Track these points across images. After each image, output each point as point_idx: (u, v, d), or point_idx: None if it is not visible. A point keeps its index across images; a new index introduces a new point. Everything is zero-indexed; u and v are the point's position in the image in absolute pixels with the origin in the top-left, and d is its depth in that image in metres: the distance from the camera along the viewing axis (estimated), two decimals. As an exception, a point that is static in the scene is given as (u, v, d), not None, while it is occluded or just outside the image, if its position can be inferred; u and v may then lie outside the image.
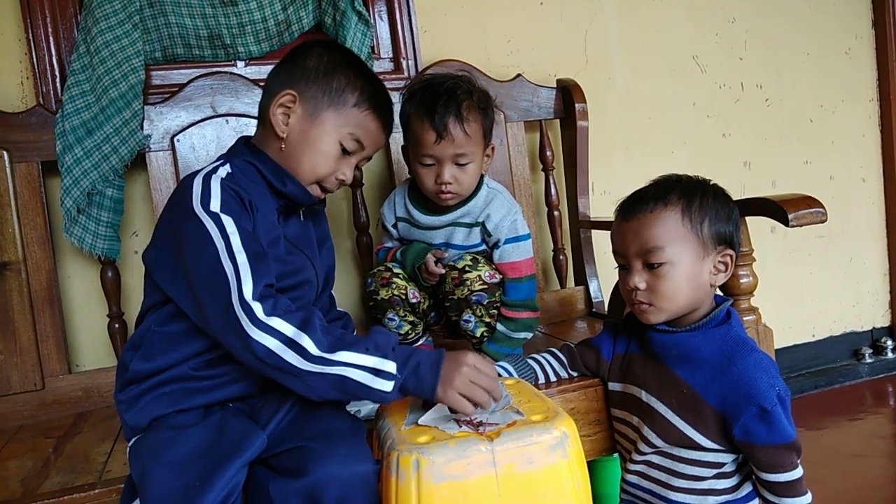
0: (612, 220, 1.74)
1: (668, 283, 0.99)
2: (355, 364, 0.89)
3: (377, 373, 0.90)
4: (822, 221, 1.23)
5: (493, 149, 1.37)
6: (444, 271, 1.31)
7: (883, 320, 2.42)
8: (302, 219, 1.13)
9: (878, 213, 2.38)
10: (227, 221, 0.94)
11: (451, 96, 1.26)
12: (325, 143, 1.06)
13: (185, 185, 0.99)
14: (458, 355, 0.94)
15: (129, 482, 0.95)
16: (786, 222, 1.21)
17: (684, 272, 1.00)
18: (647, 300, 1.01)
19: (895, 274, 2.38)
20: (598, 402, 1.17)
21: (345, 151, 1.08)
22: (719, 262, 1.02)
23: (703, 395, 0.99)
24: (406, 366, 0.91)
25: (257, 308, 0.88)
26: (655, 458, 1.04)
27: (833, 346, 2.34)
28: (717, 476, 1.01)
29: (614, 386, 1.13)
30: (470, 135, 1.27)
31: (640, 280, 1.01)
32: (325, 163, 1.07)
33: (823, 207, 1.23)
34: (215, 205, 0.95)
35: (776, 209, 1.22)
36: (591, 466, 1.01)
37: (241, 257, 0.91)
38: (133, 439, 0.97)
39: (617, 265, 1.07)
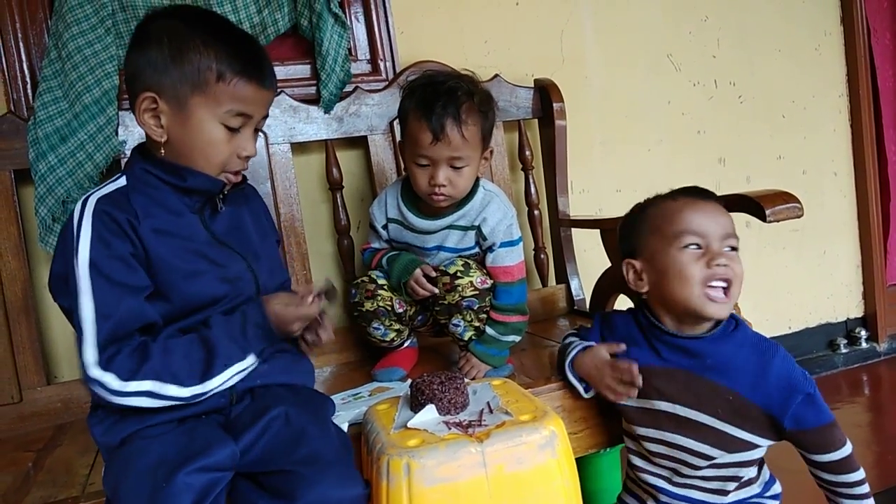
0: (593, 218, 1.76)
1: (739, 268, 1.03)
2: (227, 378, 0.94)
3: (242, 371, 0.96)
4: (799, 216, 1.25)
5: (491, 152, 1.35)
6: (434, 292, 1.29)
7: (857, 311, 2.47)
8: (224, 208, 1.05)
9: (849, 207, 2.43)
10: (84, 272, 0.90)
11: (451, 97, 1.23)
12: (207, 131, 0.97)
13: (68, 219, 0.95)
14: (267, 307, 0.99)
15: (107, 500, 0.93)
16: (763, 218, 1.23)
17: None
18: (730, 278, 1.02)
19: (867, 265, 2.43)
20: (583, 400, 1.18)
21: (232, 129, 0.98)
22: None
23: (750, 398, 1.00)
24: (248, 339, 0.96)
25: (109, 379, 0.88)
26: (710, 472, 1.04)
27: (809, 337, 2.39)
28: (755, 466, 1.05)
29: (626, 401, 1.09)
30: (467, 138, 1.25)
31: (727, 259, 1.02)
32: (217, 150, 0.98)
33: (799, 202, 1.25)
34: (83, 248, 0.91)
35: (753, 205, 1.24)
36: (580, 463, 1.01)
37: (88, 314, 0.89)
38: (108, 459, 0.95)
39: (685, 245, 1.03)
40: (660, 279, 1.04)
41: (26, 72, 1.51)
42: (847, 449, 0.99)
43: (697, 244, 1.03)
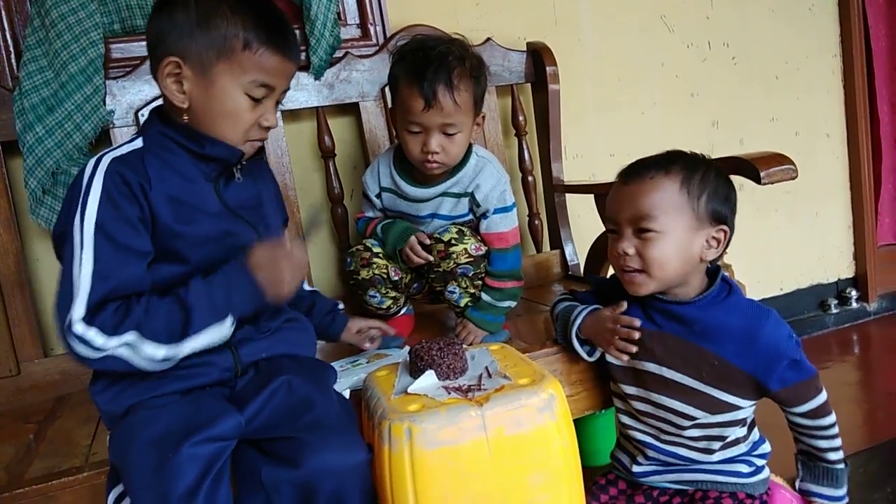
0: (586, 183, 1.76)
1: (657, 251, 1.00)
2: (203, 342, 0.92)
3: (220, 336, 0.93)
4: (793, 178, 1.26)
5: (483, 117, 1.34)
6: (429, 259, 1.29)
7: (847, 272, 2.49)
8: (240, 179, 1.04)
9: (841, 168, 2.43)
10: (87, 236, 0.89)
11: (441, 62, 1.21)
12: (231, 100, 0.95)
13: (78, 175, 0.94)
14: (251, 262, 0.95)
15: (112, 468, 0.95)
16: (758, 180, 1.23)
17: (675, 242, 1.00)
18: (637, 266, 1.01)
19: (858, 226, 2.45)
20: (579, 363, 1.19)
21: (255, 100, 0.97)
22: (713, 237, 1.02)
23: (736, 363, 1.01)
24: (229, 304, 0.93)
25: (93, 334, 0.86)
26: (695, 432, 1.06)
27: (801, 298, 2.41)
28: (744, 426, 1.07)
29: (615, 360, 1.11)
30: (460, 104, 1.23)
31: (628, 246, 1.02)
32: (240, 119, 0.97)
33: (794, 164, 1.25)
34: (91, 206, 0.90)
35: (748, 167, 1.24)
36: (577, 424, 1.03)
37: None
38: (112, 427, 0.96)
39: (607, 230, 1.07)
40: None
41: (9, 41, 1.48)
42: (822, 396, 1.03)
43: (613, 229, 1.05)
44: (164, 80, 0.95)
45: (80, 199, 0.90)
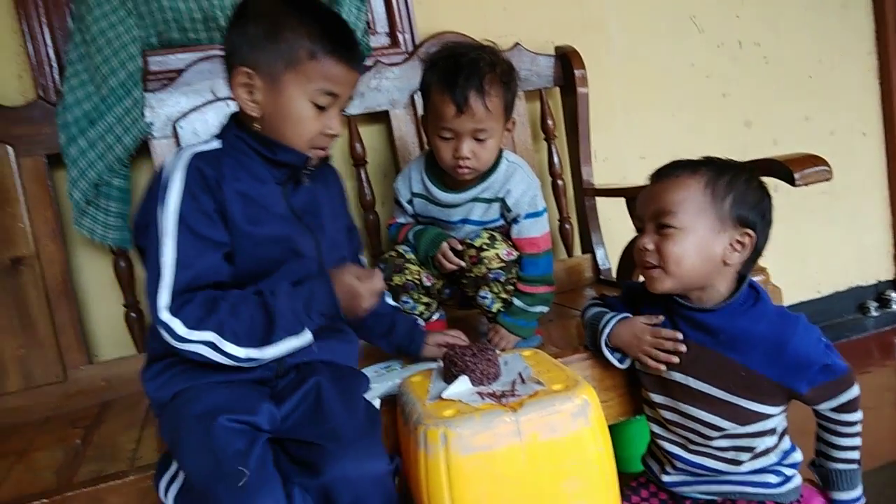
0: (617, 187, 1.76)
1: (675, 248, 1.00)
2: (282, 349, 0.97)
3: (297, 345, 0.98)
4: (828, 179, 1.24)
5: (513, 123, 1.35)
6: (461, 265, 1.30)
7: (887, 273, 2.44)
8: (307, 184, 1.09)
9: (879, 167, 2.38)
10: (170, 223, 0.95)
11: (473, 69, 1.23)
12: (298, 108, 1.00)
13: (161, 170, 1.00)
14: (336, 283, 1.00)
15: (162, 456, 0.99)
16: (792, 182, 1.22)
17: (694, 240, 1.00)
18: (654, 262, 1.02)
19: (897, 226, 2.40)
20: (612, 369, 1.18)
21: (320, 107, 1.01)
22: (737, 240, 1.01)
23: (763, 373, 1.00)
24: (310, 316, 0.98)
25: (176, 325, 0.92)
26: (723, 442, 1.05)
27: (839, 301, 2.36)
28: (774, 435, 1.06)
29: (644, 367, 1.11)
30: (491, 110, 1.25)
31: (648, 241, 1.03)
32: (305, 127, 1.02)
33: (828, 165, 1.23)
34: (173, 198, 0.95)
35: (782, 170, 1.23)
36: (612, 430, 1.03)
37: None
38: (160, 413, 1.01)
39: (636, 228, 1.10)
40: None
41: (52, 57, 1.53)
42: (853, 392, 1.02)
43: (640, 227, 1.06)
44: (237, 89, 1.01)
45: (163, 192, 0.96)
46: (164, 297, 0.93)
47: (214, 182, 0.98)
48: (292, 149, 1.02)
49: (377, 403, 1.08)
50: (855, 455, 1.04)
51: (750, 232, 1.01)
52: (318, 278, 1.00)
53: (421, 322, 1.37)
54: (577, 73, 1.81)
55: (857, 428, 1.03)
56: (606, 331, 1.13)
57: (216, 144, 1.03)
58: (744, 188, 1.02)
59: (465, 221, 1.37)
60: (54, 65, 1.53)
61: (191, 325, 0.92)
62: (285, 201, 1.05)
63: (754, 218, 1.02)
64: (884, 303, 2.40)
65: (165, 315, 0.92)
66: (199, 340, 0.93)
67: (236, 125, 1.05)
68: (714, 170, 1.03)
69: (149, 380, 1.02)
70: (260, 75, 0.99)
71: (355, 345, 1.16)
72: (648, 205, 1.05)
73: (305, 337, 0.98)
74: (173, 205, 0.95)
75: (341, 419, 0.96)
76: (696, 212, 1.00)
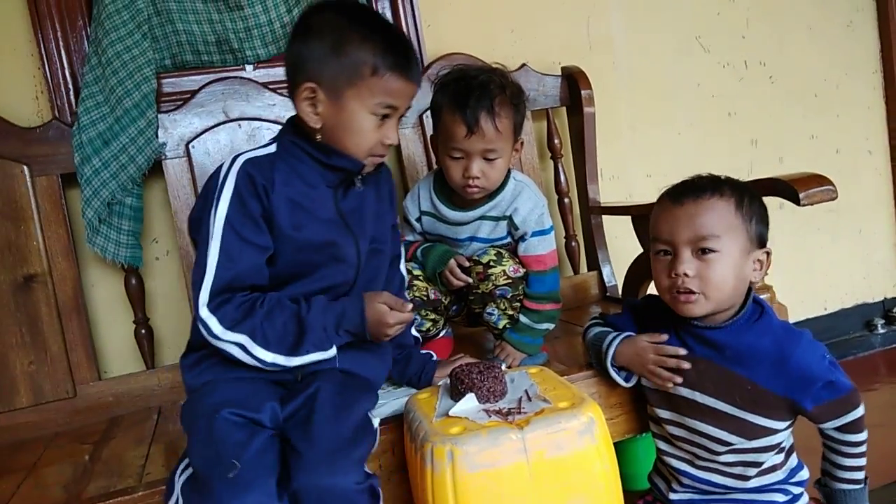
0: (623, 204, 1.76)
1: (718, 273, 0.99)
2: (307, 361, 1.01)
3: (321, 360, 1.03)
4: (833, 199, 1.24)
5: (521, 143, 1.37)
6: (468, 282, 1.32)
7: (894, 290, 2.43)
8: (360, 188, 1.12)
9: (885, 185, 2.38)
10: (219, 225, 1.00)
11: (484, 91, 1.25)
12: (359, 121, 1.04)
13: (216, 170, 1.06)
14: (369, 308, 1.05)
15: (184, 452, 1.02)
16: (797, 202, 1.22)
17: (732, 263, 1.00)
18: (696, 289, 1.00)
19: (904, 244, 2.39)
20: (618, 387, 1.18)
21: (380, 119, 1.05)
22: (758, 259, 1.03)
23: (768, 387, 1.00)
24: (338, 334, 1.03)
25: (213, 323, 0.98)
26: (730, 457, 1.05)
27: (845, 318, 2.36)
28: (781, 452, 1.06)
29: (650, 383, 1.12)
30: (501, 130, 1.27)
31: (689, 266, 1.00)
32: (365, 138, 1.05)
33: (833, 185, 1.24)
34: (223, 202, 1.01)
35: (787, 189, 1.24)
36: (617, 447, 1.03)
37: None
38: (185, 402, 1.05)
39: (656, 251, 1.05)
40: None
41: (69, 79, 1.56)
42: (858, 412, 1.01)
43: (666, 250, 1.04)
44: (301, 103, 1.04)
45: (216, 194, 1.01)
46: (205, 294, 0.98)
47: (262, 188, 1.02)
48: (349, 155, 1.06)
49: (375, 423, 1.05)
50: (860, 475, 1.04)
51: (769, 250, 1.03)
52: (352, 298, 1.05)
53: (433, 356, 1.35)
54: (583, 92, 1.83)
55: (863, 448, 1.03)
56: (611, 351, 1.13)
57: (271, 149, 1.07)
58: (760, 207, 1.04)
59: (472, 239, 1.39)
60: (70, 86, 1.57)
61: (227, 326, 0.98)
62: (335, 205, 1.09)
63: (766, 236, 1.04)
64: (890, 320, 2.39)
65: (204, 312, 0.97)
66: (231, 341, 0.98)
67: (293, 130, 1.09)
68: (734, 190, 1.03)
69: (186, 368, 1.07)
70: (323, 89, 1.02)
71: (387, 362, 1.18)
72: (681, 229, 1.01)
73: (331, 353, 1.02)
74: (223, 208, 1.00)
75: (324, 428, 0.95)
76: (731, 234, 1.00)
